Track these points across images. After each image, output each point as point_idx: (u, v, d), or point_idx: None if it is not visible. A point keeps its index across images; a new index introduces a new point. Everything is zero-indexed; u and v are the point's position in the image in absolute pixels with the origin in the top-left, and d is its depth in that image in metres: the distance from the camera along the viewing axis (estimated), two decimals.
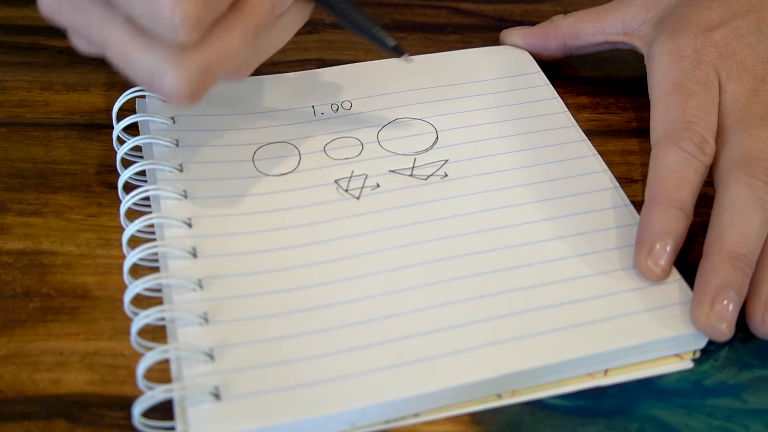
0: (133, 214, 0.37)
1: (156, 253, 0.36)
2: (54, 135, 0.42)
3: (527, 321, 0.34)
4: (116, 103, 0.41)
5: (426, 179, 0.40)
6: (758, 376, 0.34)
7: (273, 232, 0.37)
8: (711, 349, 0.35)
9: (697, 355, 0.35)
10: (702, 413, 0.33)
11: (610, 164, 0.41)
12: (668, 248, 0.35)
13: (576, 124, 0.43)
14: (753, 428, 0.33)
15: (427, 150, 0.41)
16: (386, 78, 0.45)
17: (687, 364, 0.34)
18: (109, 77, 0.45)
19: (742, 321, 0.35)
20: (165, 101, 0.32)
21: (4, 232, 0.37)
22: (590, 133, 0.43)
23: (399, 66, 0.46)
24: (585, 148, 0.42)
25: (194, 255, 0.36)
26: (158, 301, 0.35)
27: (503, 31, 0.48)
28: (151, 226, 0.37)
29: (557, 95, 0.45)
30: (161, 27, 0.30)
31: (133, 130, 0.41)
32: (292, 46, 0.48)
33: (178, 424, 0.31)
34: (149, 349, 0.33)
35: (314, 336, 0.33)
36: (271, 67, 0.47)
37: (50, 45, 0.47)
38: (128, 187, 0.38)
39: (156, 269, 0.36)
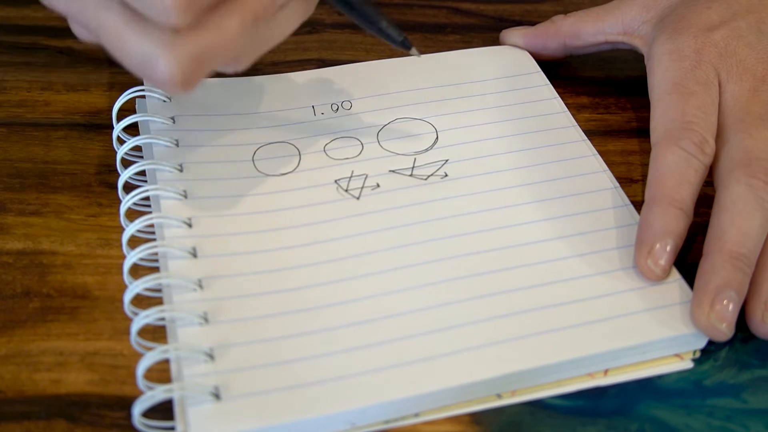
0: (133, 214, 0.37)
1: (156, 253, 0.36)
2: (54, 135, 0.42)
3: (527, 321, 0.34)
4: (116, 103, 0.41)
5: (426, 179, 0.40)
6: (758, 376, 0.34)
7: (273, 232, 0.37)
8: (711, 349, 0.35)
9: (697, 355, 0.35)
10: (702, 413, 0.33)
11: (610, 164, 0.41)
12: (668, 248, 0.35)
13: (576, 124, 0.43)
14: (753, 428, 0.33)
15: (427, 150, 0.41)
16: (386, 78, 0.45)
17: (687, 364, 0.34)
18: (109, 77, 0.45)
19: (742, 321, 0.35)
20: (159, 88, 0.31)
21: (4, 232, 0.37)
22: (590, 133, 0.43)
23: (399, 66, 0.46)
24: (585, 148, 0.42)
25: (194, 255, 0.36)
26: (158, 301, 0.35)
27: (503, 31, 0.48)
28: (151, 226, 0.37)
29: (557, 95, 0.45)
30: (153, 9, 0.30)
31: (133, 130, 0.41)
32: (292, 46, 0.48)
33: (178, 424, 0.31)
34: (149, 349, 0.33)
35: (314, 336, 0.33)
36: (271, 67, 0.47)
37: (50, 45, 0.47)
38: (128, 187, 0.38)
39: (156, 269, 0.36)
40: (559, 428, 0.32)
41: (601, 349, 0.33)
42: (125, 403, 0.32)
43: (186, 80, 0.31)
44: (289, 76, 0.45)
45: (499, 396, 0.33)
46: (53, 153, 0.41)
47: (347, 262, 0.36)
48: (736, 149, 0.37)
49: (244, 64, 0.34)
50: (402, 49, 0.38)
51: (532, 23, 0.48)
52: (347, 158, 0.41)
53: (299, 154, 0.41)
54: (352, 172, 0.40)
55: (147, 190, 0.37)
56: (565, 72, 0.48)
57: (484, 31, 0.50)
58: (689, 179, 0.36)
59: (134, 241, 0.36)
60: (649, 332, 0.34)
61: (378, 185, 0.39)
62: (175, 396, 0.31)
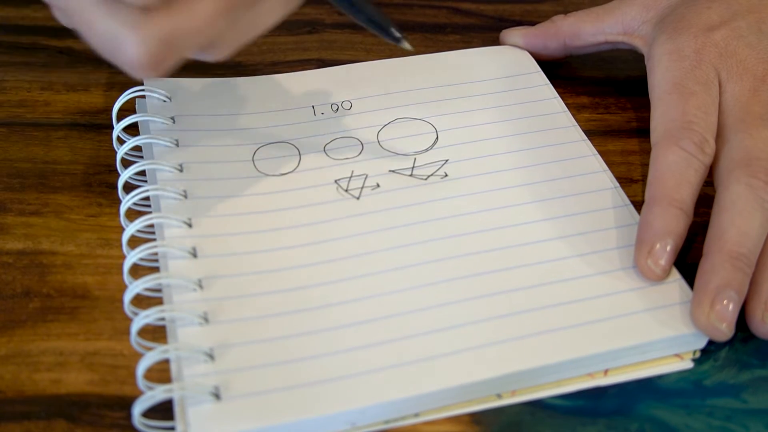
0: (133, 214, 0.37)
1: (156, 253, 0.36)
2: (54, 135, 0.42)
3: (527, 321, 0.34)
4: (116, 103, 0.41)
5: (426, 179, 0.40)
6: (758, 376, 0.34)
7: (273, 232, 0.37)
8: (711, 349, 0.35)
9: (697, 355, 0.35)
10: (702, 413, 0.33)
11: (610, 164, 0.41)
12: (668, 248, 0.35)
13: (576, 124, 0.43)
14: (753, 428, 0.33)
15: (427, 150, 0.41)
16: (386, 78, 0.45)
17: (687, 364, 0.34)
18: (109, 77, 0.45)
19: (742, 321, 0.35)
20: (127, 71, 0.30)
21: (4, 232, 0.37)
22: (590, 133, 0.43)
23: (399, 66, 0.46)
24: (585, 147, 0.42)
25: (194, 255, 0.36)
26: (158, 301, 0.35)
27: (503, 31, 0.48)
28: (151, 226, 0.37)
29: (557, 95, 0.45)
30: None
31: (133, 130, 0.41)
32: (292, 46, 0.48)
33: (178, 424, 0.31)
34: (149, 349, 0.33)
35: (314, 336, 0.33)
36: (271, 67, 0.47)
37: (50, 45, 0.47)
38: (128, 187, 0.38)
39: (156, 269, 0.36)
40: (559, 428, 0.32)
41: (601, 349, 0.33)
42: (125, 403, 0.32)
43: (154, 63, 0.30)
44: (289, 76, 0.45)
45: (499, 396, 0.33)
46: (53, 153, 0.41)
47: (347, 262, 0.36)
48: (737, 149, 0.37)
49: (224, 52, 0.33)
50: (391, 40, 0.36)
51: (532, 23, 0.48)
52: (347, 158, 0.41)
53: (299, 154, 0.41)
54: (352, 172, 0.40)
55: (147, 190, 0.37)
56: (565, 72, 0.48)
57: (484, 31, 0.50)
58: (689, 179, 0.36)
59: (134, 241, 0.36)
60: (649, 332, 0.34)
61: (378, 185, 0.39)
62: (175, 396, 0.31)
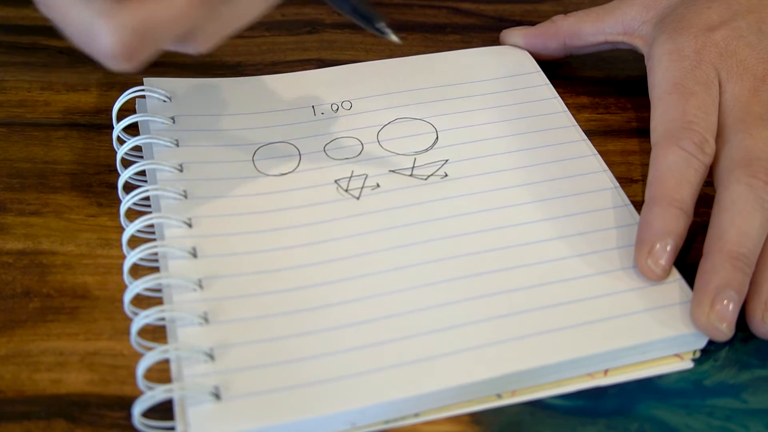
0: (133, 214, 0.37)
1: (156, 253, 0.36)
2: (54, 135, 0.42)
3: (527, 321, 0.34)
4: (116, 103, 0.41)
5: (426, 179, 0.40)
6: (758, 376, 0.34)
7: (273, 232, 0.37)
8: (711, 349, 0.35)
9: (697, 355, 0.35)
10: (702, 413, 0.33)
11: (610, 164, 0.41)
12: (668, 248, 0.35)
13: (576, 123, 0.43)
14: (753, 428, 0.33)
15: (427, 150, 0.41)
16: (386, 78, 0.45)
17: (687, 364, 0.34)
18: (109, 77, 0.45)
19: (742, 321, 0.35)
20: (102, 62, 0.30)
21: (4, 232, 0.37)
22: (590, 133, 0.43)
23: (399, 66, 0.46)
24: (585, 147, 0.42)
25: (194, 255, 0.36)
26: (158, 301, 0.35)
27: (503, 31, 0.48)
28: (151, 226, 0.37)
29: (557, 95, 0.45)
30: None
31: (133, 130, 0.41)
32: (292, 46, 0.48)
33: (178, 424, 0.31)
34: (149, 349, 0.33)
35: (314, 336, 0.33)
36: (271, 67, 0.47)
37: (50, 45, 0.47)
38: (128, 187, 0.38)
39: (156, 269, 0.36)
40: (559, 428, 0.32)
41: (601, 349, 0.33)
42: (125, 403, 0.32)
43: (128, 53, 0.30)
44: (289, 76, 0.45)
45: (499, 396, 0.33)
46: (53, 153, 0.41)
47: (347, 262, 0.36)
48: (737, 149, 0.37)
49: (204, 44, 0.33)
50: (375, 32, 0.35)
51: (532, 23, 0.48)
52: (347, 158, 0.41)
53: (299, 154, 0.41)
54: (352, 172, 0.40)
55: (147, 190, 0.37)
56: (565, 72, 0.48)
57: (484, 31, 0.50)
58: (689, 179, 0.36)
59: (134, 241, 0.36)
60: (649, 332, 0.34)
61: (378, 185, 0.39)
62: (175, 396, 0.31)
